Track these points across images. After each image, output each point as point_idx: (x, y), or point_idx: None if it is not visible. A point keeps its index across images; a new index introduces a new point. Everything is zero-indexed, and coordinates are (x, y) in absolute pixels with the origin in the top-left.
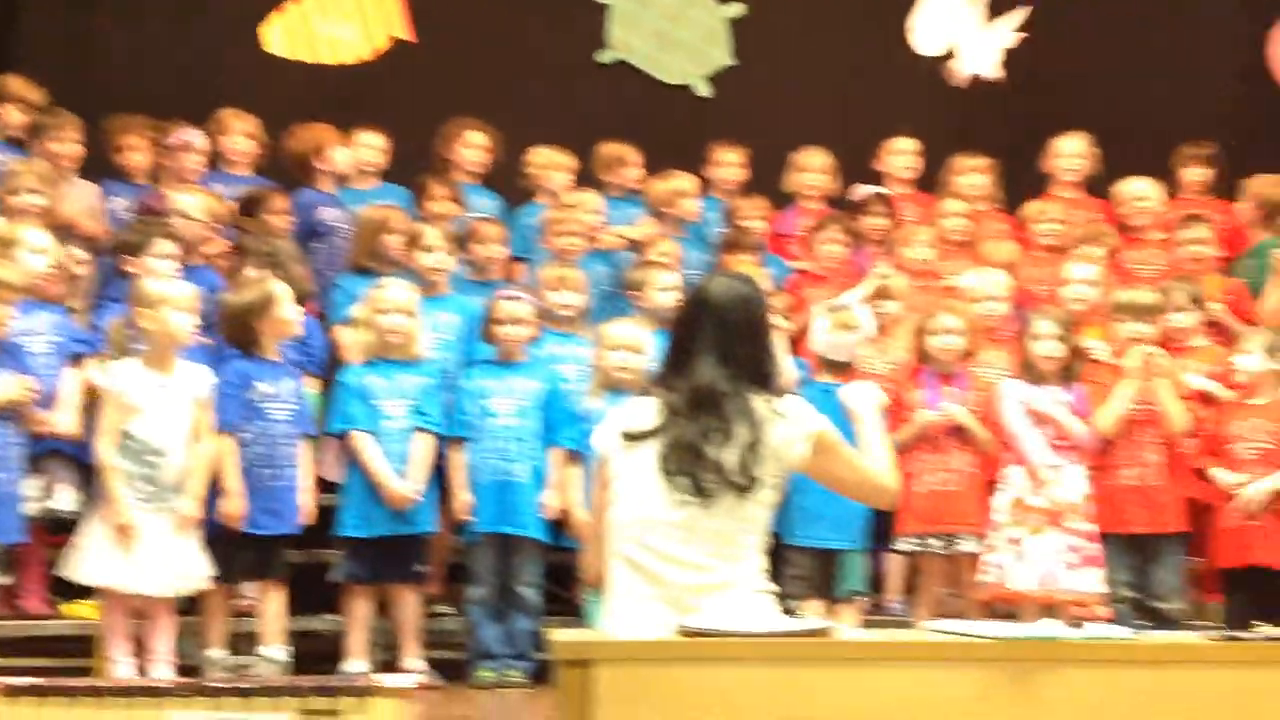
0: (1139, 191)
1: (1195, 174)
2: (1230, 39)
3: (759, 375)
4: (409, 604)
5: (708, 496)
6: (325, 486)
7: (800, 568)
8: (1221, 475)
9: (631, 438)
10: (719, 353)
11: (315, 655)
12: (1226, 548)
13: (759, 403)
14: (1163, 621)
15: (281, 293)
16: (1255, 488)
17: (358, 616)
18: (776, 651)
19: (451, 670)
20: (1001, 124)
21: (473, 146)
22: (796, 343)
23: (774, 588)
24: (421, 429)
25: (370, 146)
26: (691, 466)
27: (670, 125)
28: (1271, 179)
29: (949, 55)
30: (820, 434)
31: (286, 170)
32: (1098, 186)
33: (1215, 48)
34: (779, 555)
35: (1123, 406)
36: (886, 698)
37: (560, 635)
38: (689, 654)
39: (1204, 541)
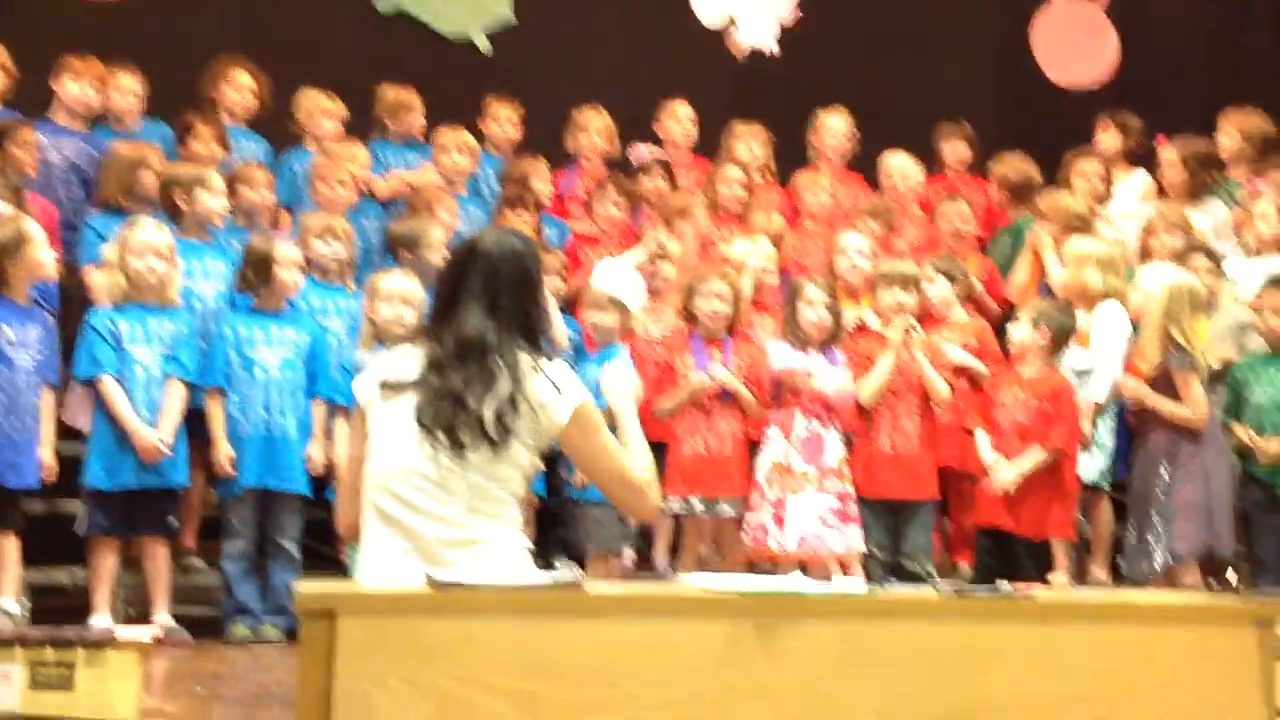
0: (901, 167)
1: (955, 151)
2: (993, 21)
3: (527, 330)
4: (159, 557)
5: (462, 449)
6: (70, 434)
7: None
8: (984, 449)
9: (390, 388)
10: (487, 304)
11: (61, 609)
12: (981, 509)
13: (524, 359)
14: (912, 581)
15: (35, 232)
16: (1007, 472)
17: (103, 570)
18: (522, 603)
19: (207, 626)
20: (776, 96)
21: (240, 88)
22: (573, 304)
23: (529, 544)
24: (174, 377)
25: (125, 91)
26: (450, 419)
27: (450, 78)
28: (1012, 160)
29: (730, 26)
30: (583, 406)
31: (41, 103)
32: (858, 161)
33: (978, 29)
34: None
35: (882, 377)
36: (634, 650)
37: (304, 587)
38: (434, 605)
39: (958, 503)
